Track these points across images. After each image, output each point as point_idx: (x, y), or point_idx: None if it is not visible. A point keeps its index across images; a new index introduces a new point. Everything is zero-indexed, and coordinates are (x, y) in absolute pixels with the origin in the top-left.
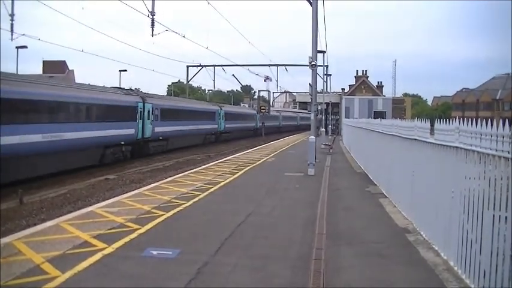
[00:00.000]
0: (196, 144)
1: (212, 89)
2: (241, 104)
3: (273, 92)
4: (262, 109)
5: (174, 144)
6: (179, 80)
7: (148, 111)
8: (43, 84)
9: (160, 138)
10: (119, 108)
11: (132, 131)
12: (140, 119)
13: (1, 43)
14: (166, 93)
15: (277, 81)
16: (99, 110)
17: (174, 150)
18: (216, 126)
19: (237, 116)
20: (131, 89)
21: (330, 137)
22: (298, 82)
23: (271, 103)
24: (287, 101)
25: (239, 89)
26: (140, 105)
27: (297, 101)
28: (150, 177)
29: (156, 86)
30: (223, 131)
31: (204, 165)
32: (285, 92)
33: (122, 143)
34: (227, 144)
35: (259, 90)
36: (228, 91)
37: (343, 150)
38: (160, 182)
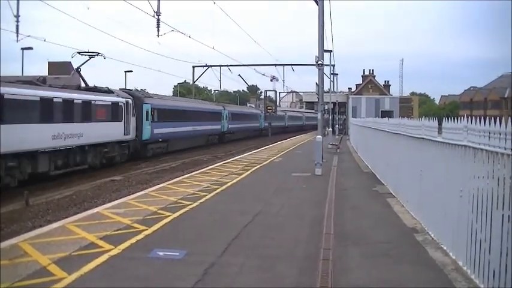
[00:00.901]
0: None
1: (218, 89)
2: (248, 104)
3: (280, 92)
4: (269, 109)
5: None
6: (185, 81)
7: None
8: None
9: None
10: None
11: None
12: None
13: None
14: (172, 94)
15: (283, 81)
16: (202, 115)
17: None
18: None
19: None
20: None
21: (337, 136)
22: (305, 82)
23: (277, 103)
24: (293, 100)
25: (245, 89)
26: None
27: (303, 100)
28: (157, 178)
29: (163, 86)
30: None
31: (211, 165)
32: (292, 91)
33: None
34: (234, 145)
35: (265, 90)
36: (234, 91)
37: (350, 150)
38: (166, 183)
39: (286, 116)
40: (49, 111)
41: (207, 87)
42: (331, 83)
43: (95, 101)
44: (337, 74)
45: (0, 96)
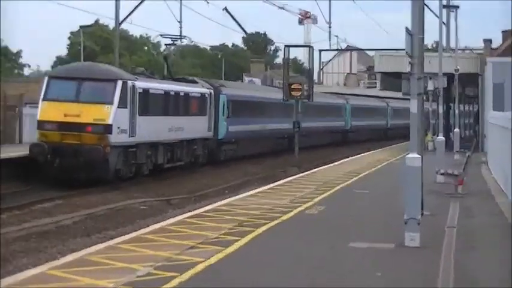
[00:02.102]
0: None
1: (177, 39)
2: (245, 79)
3: (321, 51)
4: (295, 89)
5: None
6: (97, 22)
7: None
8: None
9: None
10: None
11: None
12: None
13: None
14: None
15: (329, 23)
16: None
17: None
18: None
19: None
20: None
21: (456, 155)
22: (377, 28)
23: (315, 76)
24: (353, 71)
25: (241, 43)
26: None
27: (375, 70)
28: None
29: None
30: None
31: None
32: (349, 49)
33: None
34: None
35: (286, 46)
36: (212, 48)
37: (489, 187)
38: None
39: (345, 107)
40: (168, 104)
41: (148, 36)
42: (444, 27)
43: (191, 93)
44: (456, 8)
45: (176, 93)
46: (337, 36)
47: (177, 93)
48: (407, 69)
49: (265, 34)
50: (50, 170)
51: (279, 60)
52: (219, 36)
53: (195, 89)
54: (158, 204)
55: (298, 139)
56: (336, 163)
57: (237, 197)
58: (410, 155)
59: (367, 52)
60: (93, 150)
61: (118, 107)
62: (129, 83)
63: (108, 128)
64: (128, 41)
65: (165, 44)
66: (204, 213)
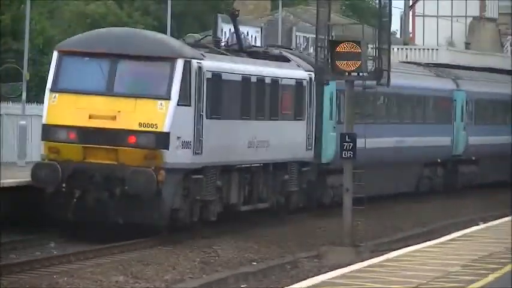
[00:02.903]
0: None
1: None
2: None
3: None
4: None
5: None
6: None
7: None
8: None
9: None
10: None
11: None
12: None
13: None
14: None
15: None
16: None
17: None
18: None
19: None
20: None
21: None
22: None
23: (396, 25)
24: (488, 14)
25: None
26: None
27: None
28: None
29: None
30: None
31: None
32: None
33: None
34: None
35: None
36: None
37: None
38: None
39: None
40: (248, 100)
41: None
42: None
43: (282, 79)
44: None
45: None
46: None
47: (260, 81)
48: None
49: None
50: (65, 208)
51: None
52: None
53: (288, 72)
54: None
55: (350, 176)
56: None
57: None
58: None
59: None
60: (139, 175)
61: (178, 104)
62: (194, 63)
63: (162, 139)
64: None
65: None
66: None
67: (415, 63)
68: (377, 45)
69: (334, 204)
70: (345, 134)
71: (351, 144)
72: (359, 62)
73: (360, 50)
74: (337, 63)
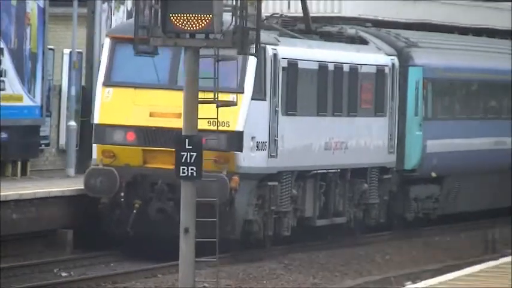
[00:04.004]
0: None
1: None
2: None
3: None
4: None
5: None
6: None
7: None
8: None
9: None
10: None
11: None
12: None
13: None
14: None
15: None
16: None
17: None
18: None
19: None
20: None
21: None
22: None
23: None
24: None
25: None
26: None
27: None
28: None
29: None
30: None
31: None
32: None
33: None
34: None
35: None
36: None
37: None
38: None
39: None
40: (329, 93)
41: None
42: None
43: (362, 65)
44: None
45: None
46: None
47: (338, 69)
48: None
49: None
50: (123, 220)
51: None
52: None
53: (368, 57)
54: None
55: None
56: None
57: None
58: None
59: None
60: (210, 182)
61: (252, 98)
62: (269, 49)
63: (235, 140)
64: None
65: None
66: None
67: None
68: None
69: (417, 221)
70: None
71: None
72: (209, 17)
73: None
74: (172, 18)
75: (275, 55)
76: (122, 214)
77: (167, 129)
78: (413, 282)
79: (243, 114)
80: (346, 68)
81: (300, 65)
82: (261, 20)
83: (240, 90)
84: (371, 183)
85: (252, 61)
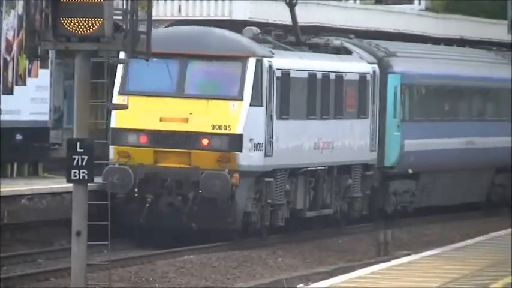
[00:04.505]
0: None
1: None
2: None
3: None
4: None
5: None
6: None
7: None
8: None
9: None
10: None
11: None
12: None
13: None
14: None
15: None
16: None
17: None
18: None
19: None
20: None
21: None
22: None
23: None
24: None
25: None
26: None
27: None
28: None
29: None
30: None
31: None
32: None
33: None
34: None
35: None
36: None
37: None
38: None
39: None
40: (318, 98)
41: None
42: None
43: (346, 73)
44: None
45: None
46: None
47: (325, 77)
48: None
49: None
50: (138, 213)
51: None
52: None
53: (351, 66)
54: None
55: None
56: None
57: None
58: None
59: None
60: (214, 179)
61: (250, 105)
62: (265, 61)
63: (236, 141)
64: None
65: None
66: None
67: None
68: None
69: (397, 213)
70: None
71: None
72: (99, 20)
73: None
74: (63, 21)
75: (270, 66)
76: (136, 207)
77: (176, 132)
78: (305, 284)
79: (243, 119)
80: (332, 76)
81: (292, 74)
82: (151, 23)
83: (239, 97)
84: (355, 179)
85: (250, 72)
